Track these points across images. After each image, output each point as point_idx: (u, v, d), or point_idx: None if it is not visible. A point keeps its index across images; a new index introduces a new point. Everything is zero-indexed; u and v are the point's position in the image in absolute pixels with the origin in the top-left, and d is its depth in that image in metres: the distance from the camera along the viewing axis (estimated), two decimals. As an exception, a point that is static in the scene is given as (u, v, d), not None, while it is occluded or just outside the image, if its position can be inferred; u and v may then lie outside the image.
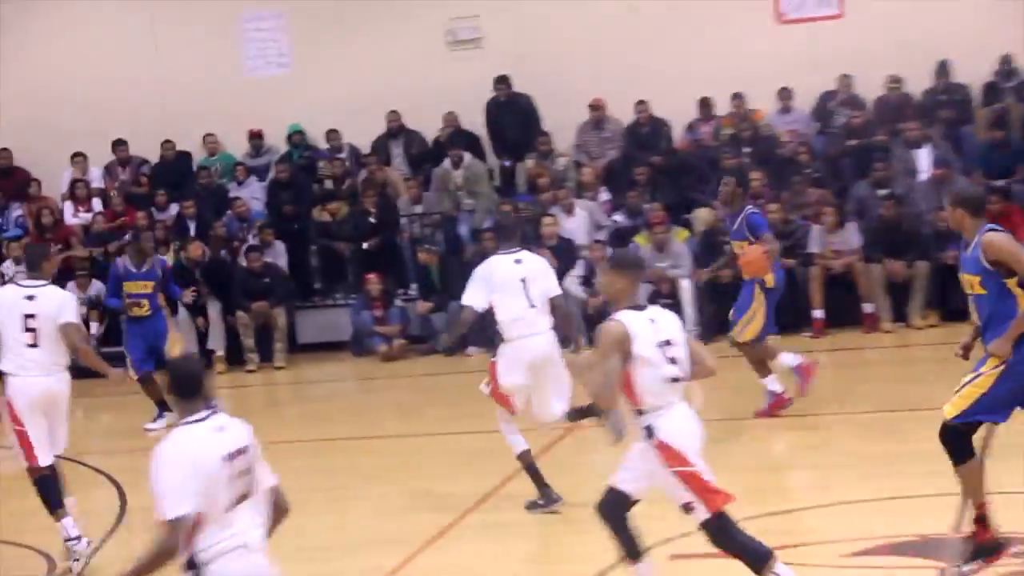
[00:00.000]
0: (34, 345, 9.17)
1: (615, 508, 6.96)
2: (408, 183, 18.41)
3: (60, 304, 9.24)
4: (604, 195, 17.70)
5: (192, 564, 5.59)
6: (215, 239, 17.83)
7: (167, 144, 19.29)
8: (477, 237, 16.81)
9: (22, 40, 19.65)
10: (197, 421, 5.70)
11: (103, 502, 11.33)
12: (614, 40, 18.30)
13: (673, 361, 6.84)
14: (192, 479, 5.54)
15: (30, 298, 9.19)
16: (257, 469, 5.77)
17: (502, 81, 18.36)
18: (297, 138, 19.16)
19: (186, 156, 19.48)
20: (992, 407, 7.30)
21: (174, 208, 18.76)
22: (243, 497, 5.70)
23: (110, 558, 9.62)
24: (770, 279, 11.73)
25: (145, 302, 13.66)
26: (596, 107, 18.21)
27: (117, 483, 11.79)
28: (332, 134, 18.99)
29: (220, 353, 17.23)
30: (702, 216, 16.88)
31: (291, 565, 6.30)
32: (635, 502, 7.00)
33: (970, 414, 7.30)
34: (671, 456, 6.76)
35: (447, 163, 18.11)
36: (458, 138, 18.44)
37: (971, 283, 7.36)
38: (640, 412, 6.83)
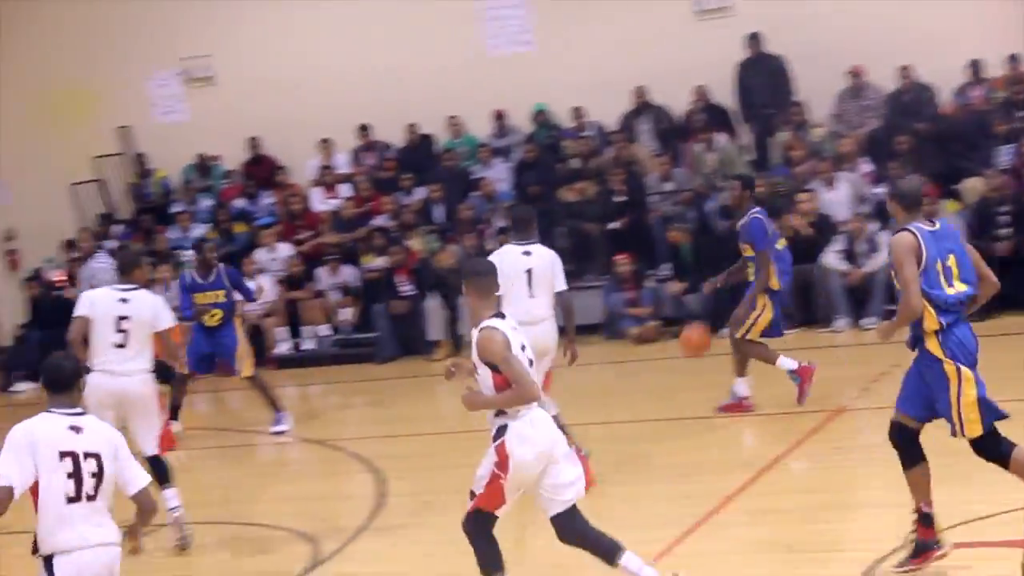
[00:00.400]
0: (122, 346, 9.79)
1: (479, 524, 7.24)
2: (656, 160, 17.93)
3: (154, 310, 9.88)
4: (865, 166, 16.93)
5: (36, 549, 6.13)
6: (462, 222, 17.67)
7: (411, 127, 19.22)
8: (728, 214, 16.25)
9: (265, 31, 19.82)
10: (58, 414, 6.23)
11: (362, 488, 11.27)
12: (872, 1, 17.49)
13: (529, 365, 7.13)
14: (24, 458, 6.05)
15: (123, 301, 9.83)
16: (124, 473, 6.27)
17: (753, 39, 17.74)
18: (541, 117, 18.87)
19: (430, 139, 19.37)
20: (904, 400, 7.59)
21: (420, 192, 18.67)
22: (89, 497, 6.15)
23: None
24: (775, 282, 11.63)
25: (218, 312, 13.44)
26: (855, 74, 17.44)
27: (377, 469, 11.70)
28: (577, 112, 18.64)
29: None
30: (972, 186, 16.00)
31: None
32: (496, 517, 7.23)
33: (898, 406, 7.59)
34: (502, 461, 7.08)
35: (699, 147, 17.57)
36: (708, 113, 17.89)
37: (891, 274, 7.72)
38: (498, 414, 7.13)
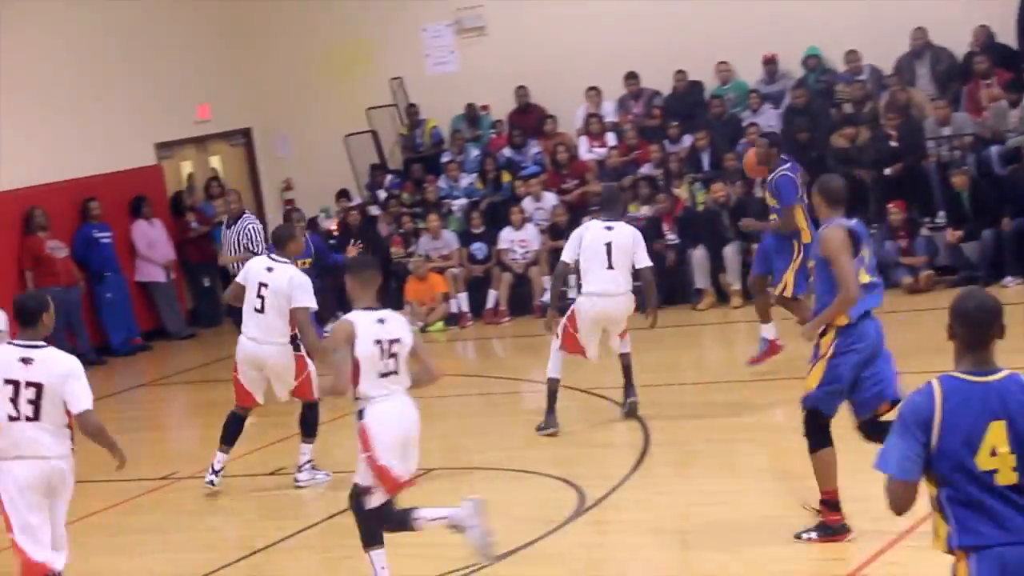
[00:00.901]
0: (261, 311, 10.56)
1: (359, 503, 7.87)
2: (935, 104, 17.34)
3: (291, 286, 10.41)
4: None
5: None
6: (728, 170, 17.44)
7: (679, 74, 19.04)
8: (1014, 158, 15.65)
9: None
10: (15, 345, 7.70)
11: (626, 436, 11.30)
12: None
13: (392, 357, 7.70)
14: None
15: (269, 269, 10.57)
16: (69, 399, 7.53)
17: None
18: (813, 62, 18.44)
19: (698, 86, 19.16)
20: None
21: (687, 140, 18.51)
22: (28, 418, 7.56)
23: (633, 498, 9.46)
24: (807, 234, 11.71)
25: None
26: None
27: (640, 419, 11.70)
28: (851, 55, 18.15)
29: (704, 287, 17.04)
30: None
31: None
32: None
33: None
34: (364, 442, 7.68)
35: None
36: (990, 53, 17.18)
37: (811, 269, 8.12)
38: (357, 398, 7.72)
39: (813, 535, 8.21)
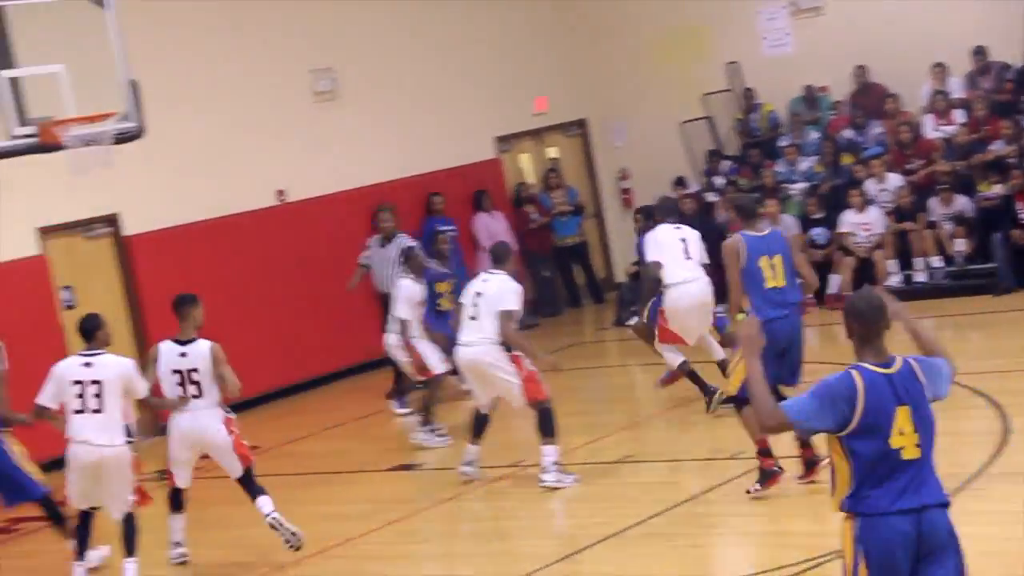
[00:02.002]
0: (474, 319, 11.46)
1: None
2: None
3: (501, 292, 11.40)
4: None
5: None
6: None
7: (1030, 46, 18.30)
8: None
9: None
10: (79, 355, 10.09)
11: (983, 424, 10.99)
12: None
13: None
14: (51, 385, 10.01)
15: (484, 280, 11.64)
16: (131, 390, 9.99)
17: None
18: None
19: (1052, 57, 18.37)
20: None
21: (1040, 114, 17.78)
22: (94, 410, 9.84)
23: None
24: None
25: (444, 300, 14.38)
26: None
27: (999, 405, 11.35)
28: None
29: None
30: None
31: None
32: None
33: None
34: None
35: None
36: None
37: None
38: None
39: (756, 486, 9.86)
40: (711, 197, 19.80)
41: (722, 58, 20.45)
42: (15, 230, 15.06)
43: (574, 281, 20.80)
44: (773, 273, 9.84)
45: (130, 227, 16.22)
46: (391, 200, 18.11)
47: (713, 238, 18.59)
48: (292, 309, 17.29)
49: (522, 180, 20.79)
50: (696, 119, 20.61)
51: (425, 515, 11.37)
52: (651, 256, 12.74)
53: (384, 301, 15.64)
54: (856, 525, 5.58)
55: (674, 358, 12.87)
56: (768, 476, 9.79)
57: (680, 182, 19.91)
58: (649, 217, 13.44)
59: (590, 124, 21.71)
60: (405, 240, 16.13)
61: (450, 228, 18.77)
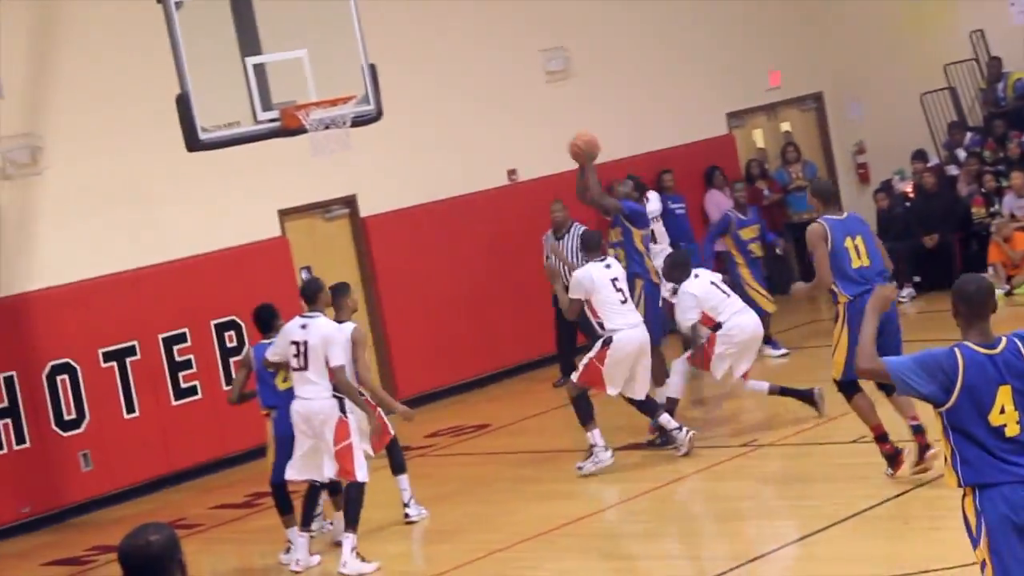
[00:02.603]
0: (624, 302, 12.18)
1: None
2: None
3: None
4: None
5: None
6: None
7: None
8: None
9: None
10: (296, 318, 10.82)
11: None
12: None
13: None
14: (278, 345, 10.83)
15: (608, 267, 12.26)
16: (328, 354, 10.55)
17: None
18: None
19: None
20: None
21: None
22: (300, 368, 10.61)
23: None
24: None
25: (754, 246, 16.13)
26: None
27: None
28: None
29: None
30: None
31: None
32: None
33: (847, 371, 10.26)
34: None
35: None
36: None
37: None
38: None
39: (889, 471, 10.51)
40: (953, 170, 19.39)
41: (966, 27, 19.99)
42: (258, 212, 15.66)
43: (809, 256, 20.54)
44: (858, 253, 10.45)
45: (366, 208, 16.69)
46: (622, 178, 18.25)
47: (960, 212, 18.37)
48: (524, 288, 17.54)
49: (753, 156, 20.67)
50: (937, 90, 20.19)
51: (656, 495, 11.48)
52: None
53: None
54: (975, 498, 5.88)
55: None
56: (893, 458, 10.50)
57: (919, 155, 19.55)
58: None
59: (826, 98, 21.45)
60: (580, 228, 16.01)
61: (679, 205, 18.85)
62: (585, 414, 12.18)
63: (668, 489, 11.54)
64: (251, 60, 11.30)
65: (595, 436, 12.13)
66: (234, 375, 12.00)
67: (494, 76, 17.93)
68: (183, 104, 10.97)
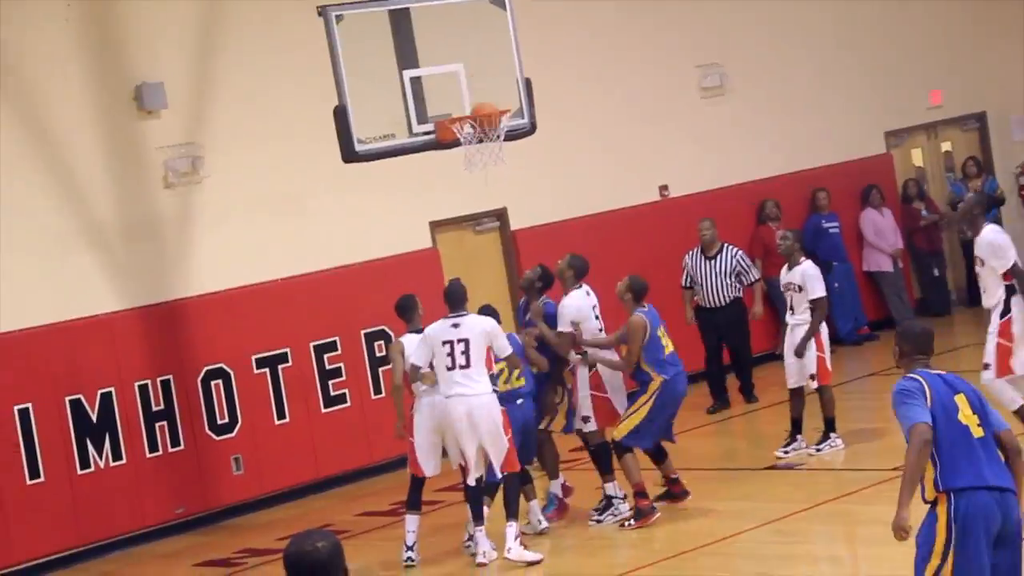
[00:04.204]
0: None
1: None
2: None
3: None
4: None
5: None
6: None
7: None
8: None
9: None
10: (442, 320, 11.37)
11: None
12: None
13: None
14: (421, 349, 11.29)
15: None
16: (495, 347, 11.17)
17: None
18: None
19: None
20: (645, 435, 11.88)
21: None
22: (461, 366, 11.08)
23: None
24: None
25: None
26: None
27: None
28: None
29: None
30: None
31: None
32: None
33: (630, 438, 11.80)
34: None
35: None
36: None
37: None
38: None
39: (631, 522, 11.75)
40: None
41: None
42: (410, 223, 16.02)
43: (976, 276, 20.18)
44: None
45: (516, 221, 16.96)
46: (775, 195, 18.31)
47: None
48: (669, 304, 17.61)
49: (911, 176, 20.55)
50: None
51: (804, 516, 11.54)
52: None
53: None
54: (948, 502, 6.79)
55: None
56: (645, 514, 11.72)
57: None
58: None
59: (989, 117, 21.24)
60: (732, 249, 16.05)
61: (832, 224, 18.84)
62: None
63: (816, 512, 11.59)
64: (408, 73, 11.65)
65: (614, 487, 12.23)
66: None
67: (648, 91, 18.11)
68: (340, 116, 11.37)
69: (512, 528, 11.03)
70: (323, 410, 15.12)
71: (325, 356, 15.17)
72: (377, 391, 15.29)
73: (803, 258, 13.71)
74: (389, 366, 14.73)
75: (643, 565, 10.86)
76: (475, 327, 11.23)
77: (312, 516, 13.81)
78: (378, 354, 15.39)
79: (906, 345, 7.23)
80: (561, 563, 11.43)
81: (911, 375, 7.03)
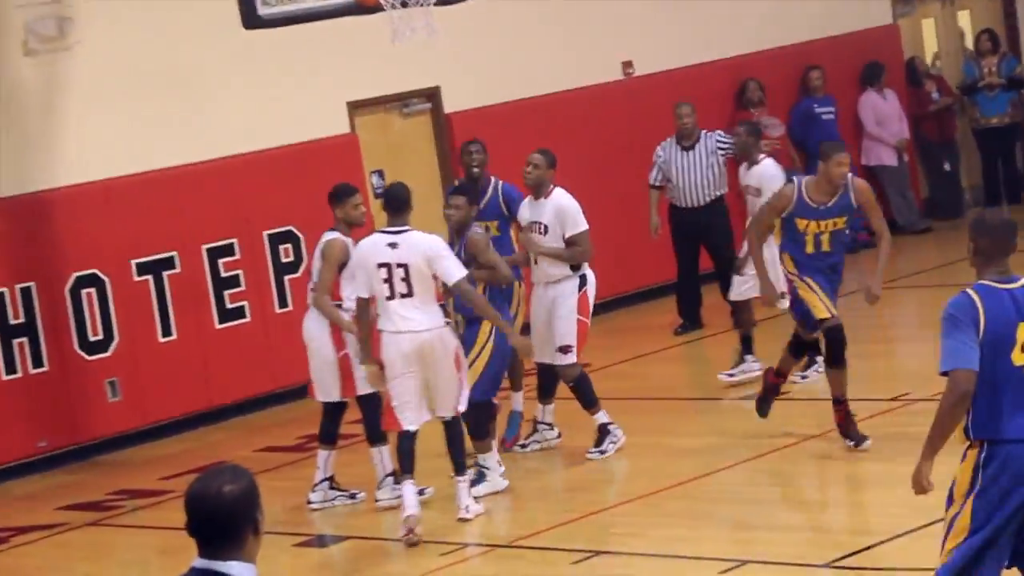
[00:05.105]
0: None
1: None
2: None
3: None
4: None
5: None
6: None
7: None
8: None
9: None
10: (377, 234, 10.82)
11: None
12: None
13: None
14: (358, 271, 10.73)
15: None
16: (439, 273, 10.44)
17: None
18: None
19: None
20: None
21: None
22: (401, 294, 10.48)
23: None
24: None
25: None
26: None
27: None
28: None
29: None
30: None
31: None
32: None
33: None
34: None
35: None
36: None
37: None
38: None
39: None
40: None
41: None
42: (323, 104, 15.71)
43: (996, 171, 20.16)
44: None
45: (451, 103, 16.70)
46: (758, 75, 18.10)
47: None
48: (632, 205, 17.39)
49: (920, 52, 20.39)
50: None
51: (785, 454, 11.46)
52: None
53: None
54: (979, 453, 6.47)
55: None
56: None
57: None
58: None
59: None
60: (714, 136, 15.56)
61: (827, 110, 18.64)
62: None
63: (799, 449, 11.54)
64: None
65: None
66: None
67: (609, -55, 17.82)
68: (238, -29, 11.05)
69: (464, 483, 10.75)
70: (217, 326, 14.92)
71: (220, 261, 14.94)
72: (283, 304, 15.07)
73: (762, 155, 13.73)
74: (297, 274, 14.57)
75: (596, 511, 10.74)
76: (415, 248, 10.51)
77: (203, 452, 13.63)
78: (284, 259, 15.18)
79: (981, 239, 6.61)
80: (508, 511, 11.33)
81: (968, 290, 6.48)
